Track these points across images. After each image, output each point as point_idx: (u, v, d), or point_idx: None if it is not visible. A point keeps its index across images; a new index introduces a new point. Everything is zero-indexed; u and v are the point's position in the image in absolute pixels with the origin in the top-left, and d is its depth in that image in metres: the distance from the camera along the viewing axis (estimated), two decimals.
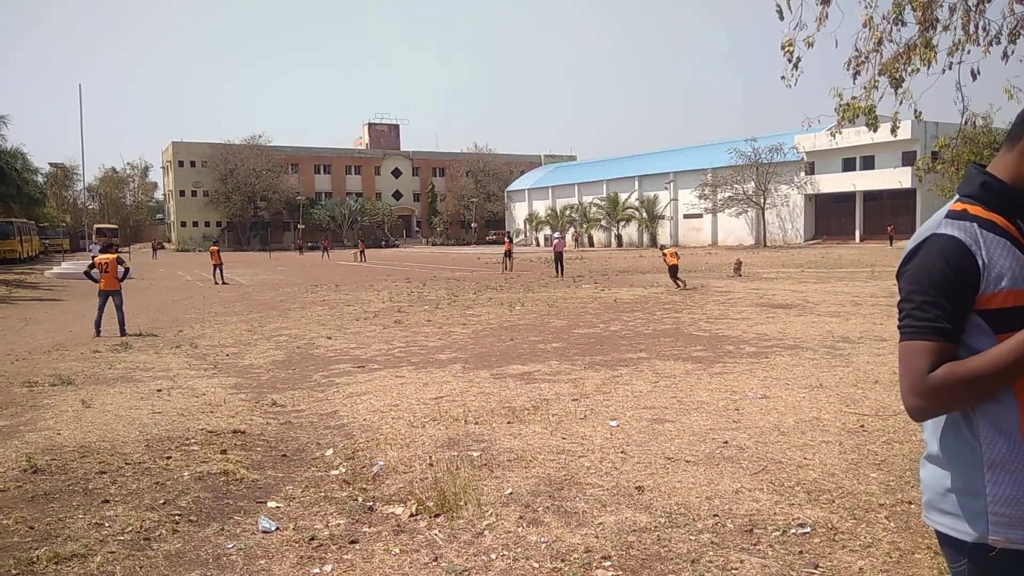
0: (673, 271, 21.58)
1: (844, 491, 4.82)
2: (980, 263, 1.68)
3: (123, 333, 13.77)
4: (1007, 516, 1.69)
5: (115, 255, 14.64)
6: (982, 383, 1.65)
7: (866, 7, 5.52)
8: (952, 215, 1.78)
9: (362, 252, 51.85)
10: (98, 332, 13.85)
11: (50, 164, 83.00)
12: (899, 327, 1.78)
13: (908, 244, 1.82)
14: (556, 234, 37.11)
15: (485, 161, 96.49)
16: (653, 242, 66.89)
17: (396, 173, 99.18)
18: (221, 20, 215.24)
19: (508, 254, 34.43)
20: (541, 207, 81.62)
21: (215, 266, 30.29)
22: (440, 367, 9.86)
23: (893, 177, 50.35)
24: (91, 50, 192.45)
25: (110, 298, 14.09)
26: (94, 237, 55.40)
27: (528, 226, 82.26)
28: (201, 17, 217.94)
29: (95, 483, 5.35)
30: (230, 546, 4.26)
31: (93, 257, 15.07)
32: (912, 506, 4.54)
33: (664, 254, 22.49)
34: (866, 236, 53.10)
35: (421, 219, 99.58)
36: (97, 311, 14.18)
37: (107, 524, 4.55)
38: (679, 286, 21.20)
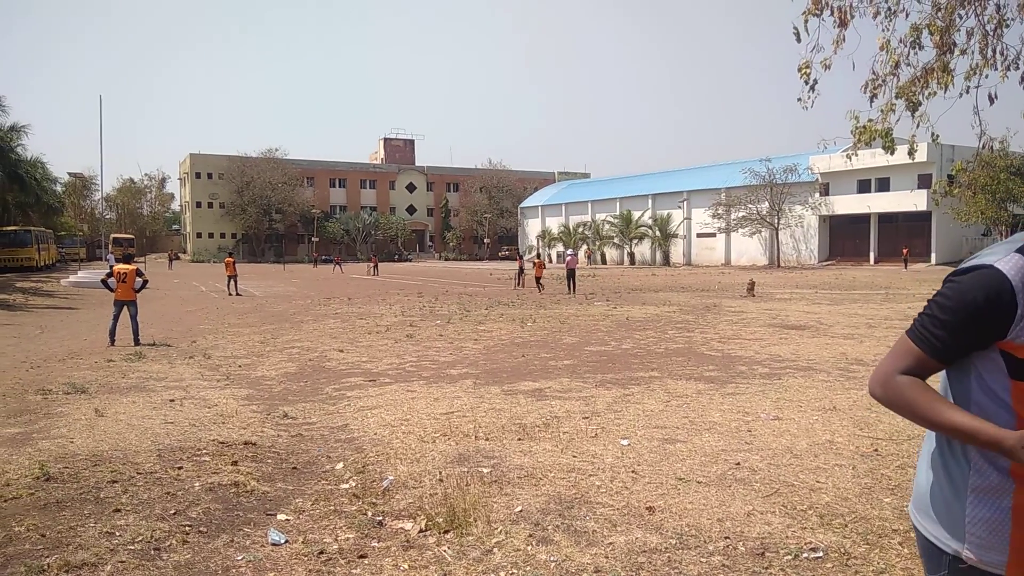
0: (538, 280, 30.09)
1: (857, 516, 4.77)
2: (1020, 309, 1.64)
3: (137, 343, 13.87)
4: (982, 538, 1.71)
5: (134, 266, 14.83)
6: (923, 421, 1.72)
7: (883, 31, 5.53)
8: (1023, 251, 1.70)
9: (375, 266, 52.03)
10: (112, 341, 13.94)
11: (69, 174, 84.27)
12: (914, 319, 1.81)
13: (970, 258, 1.78)
14: (569, 251, 37.10)
15: (499, 177, 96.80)
16: (666, 260, 66.81)
17: (411, 188, 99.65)
18: (240, 34, 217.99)
19: (521, 270, 34.31)
20: (554, 224, 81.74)
21: (229, 277, 30.46)
22: (451, 382, 9.85)
23: (909, 200, 50.13)
24: (111, 61, 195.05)
25: (125, 308, 14.21)
26: (111, 247, 55.97)
27: (541, 243, 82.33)
28: (221, 31, 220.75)
29: (107, 492, 5.37)
30: (239, 558, 4.26)
31: (111, 266, 15.19)
32: None
33: (535, 263, 30.73)
34: (881, 258, 52.82)
35: (434, 234, 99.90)
36: (112, 320, 14.28)
37: (118, 533, 4.57)
38: (540, 289, 29.03)
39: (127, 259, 15.42)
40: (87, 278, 34.88)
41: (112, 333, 14.11)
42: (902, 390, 1.74)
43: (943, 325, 1.71)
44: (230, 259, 31.73)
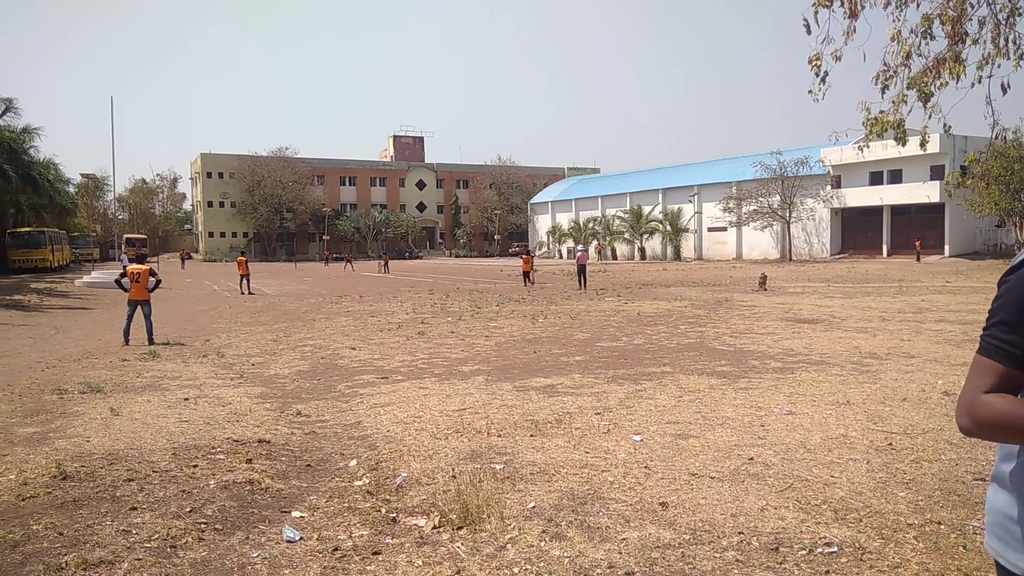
0: (525, 274, 31.71)
1: (872, 510, 4.76)
2: None
3: (151, 342, 13.97)
4: None
5: (148, 266, 14.96)
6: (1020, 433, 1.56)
7: (894, 21, 5.48)
8: None
9: (385, 264, 52.14)
10: (127, 341, 14.04)
11: (81, 175, 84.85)
12: (980, 335, 1.70)
13: (1018, 256, 1.68)
14: (579, 247, 37.05)
15: (509, 173, 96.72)
16: (677, 255, 66.60)
17: (420, 185, 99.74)
18: (250, 34, 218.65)
19: (527, 273, 32.81)
20: (564, 219, 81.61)
21: (242, 276, 30.62)
22: (463, 379, 9.87)
23: (921, 191, 49.73)
24: (122, 63, 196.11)
25: (139, 307, 14.32)
26: (123, 247, 56.33)
27: (551, 238, 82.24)
28: (231, 31, 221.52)
29: (123, 490, 5.42)
30: (255, 555, 4.29)
31: (124, 267, 15.32)
32: (941, 527, 4.46)
33: (522, 259, 32.77)
34: (893, 251, 52.44)
35: (444, 231, 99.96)
36: (126, 320, 14.38)
37: (134, 531, 4.61)
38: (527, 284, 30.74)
39: (140, 259, 15.53)
40: (101, 278, 35.12)
41: (126, 333, 14.21)
42: (993, 407, 1.58)
43: (1011, 327, 1.61)
44: (242, 258, 31.93)
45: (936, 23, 5.40)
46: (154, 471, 5.88)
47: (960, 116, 5.83)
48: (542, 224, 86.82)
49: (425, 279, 40.25)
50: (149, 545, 4.40)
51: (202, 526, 4.72)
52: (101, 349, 13.79)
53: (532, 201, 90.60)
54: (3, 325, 18.65)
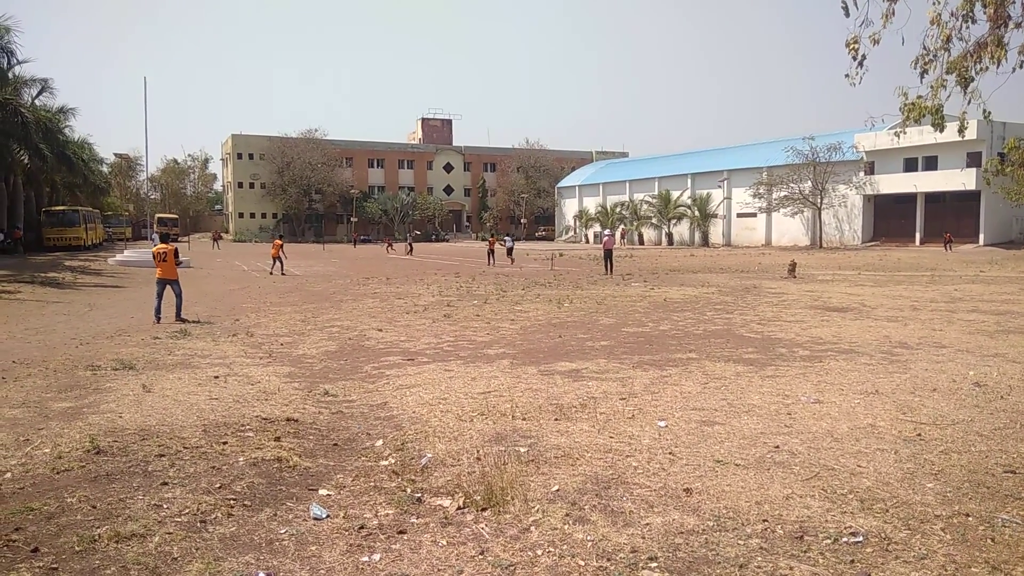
0: (509, 251, 38.44)
1: (899, 500, 4.71)
2: None
3: (178, 318, 14.30)
4: None
5: (173, 246, 15.27)
6: None
7: (935, 4, 5.36)
8: None
9: (411, 246, 52.36)
10: (157, 319, 14.29)
11: (115, 155, 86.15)
12: None
13: None
14: (606, 231, 36.95)
15: (536, 157, 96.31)
16: (705, 241, 66.05)
17: (448, 168, 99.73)
18: (281, 16, 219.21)
19: (491, 251, 37.34)
20: (591, 204, 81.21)
21: (275, 258, 30.78)
22: (488, 362, 9.91)
23: (957, 179, 48.74)
24: (156, 43, 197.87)
25: (168, 286, 14.58)
26: (155, 226, 57.12)
27: (578, 223, 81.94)
28: (262, 13, 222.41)
29: (154, 465, 5.53)
30: (283, 531, 4.36)
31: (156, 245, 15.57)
32: (970, 519, 4.41)
33: (488, 240, 39.07)
34: (926, 239, 51.51)
35: (471, 214, 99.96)
36: (156, 299, 14.62)
37: (165, 506, 4.70)
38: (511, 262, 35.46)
39: (164, 239, 15.81)
40: (133, 257, 35.66)
41: (157, 311, 14.47)
42: None
43: None
44: (279, 241, 31.96)
45: (978, 5, 5.27)
46: (185, 447, 5.99)
47: (1000, 102, 5.71)
48: (569, 208, 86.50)
49: (451, 262, 40.35)
50: (180, 520, 4.49)
51: (231, 502, 4.80)
52: (133, 327, 14.02)
53: (559, 185, 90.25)
54: (38, 302, 19.04)
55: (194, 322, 14.32)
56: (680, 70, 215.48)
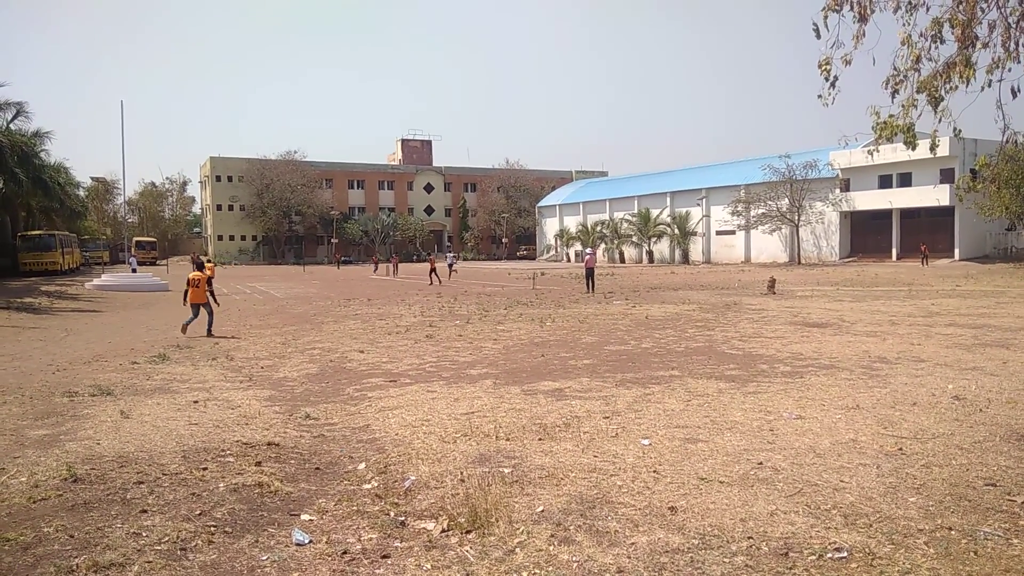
0: (450, 266, 44.12)
1: (882, 515, 4.74)
2: None
3: (209, 334, 15.95)
4: None
5: (205, 274, 17.00)
6: None
7: (904, 25, 5.47)
8: None
9: (395, 267, 52.29)
10: (184, 331, 16.00)
11: (91, 178, 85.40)
12: None
13: None
14: (587, 250, 37.17)
15: (516, 177, 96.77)
16: (685, 259, 66.47)
17: (428, 188, 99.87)
18: (258, 37, 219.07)
19: (433, 271, 39.01)
20: (572, 223, 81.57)
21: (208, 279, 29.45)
22: (471, 382, 9.88)
23: (931, 195, 49.51)
24: (132, 66, 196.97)
25: (201, 308, 16.40)
26: (133, 250, 56.58)
27: (559, 242, 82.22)
28: (238, 36, 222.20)
29: (133, 493, 5.44)
30: (264, 558, 4.30)
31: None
32: (952, 532, 4.44)
33: (429, 260, 41.98)
34: (903, 254, 52.21)
35: (452, 234, 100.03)
36: (191, 317, 16.39)
37: (144, 534, 4.63)
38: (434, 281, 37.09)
39: (199, 267, 17.33)
40: (111, 281, 35.27)
41: (186, 325, 16.20)
42: None
43: None
44: (211, 265, 30.58)
45: (946, 27, 5.39)
46: (164, 474, 5.91)
47: (970, 120, 5.81)
48: (550, 227, 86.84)
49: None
50: (159, 547, 4.42)
51: (212, 529, 4.74)
52: (111, 352, 13.86)
53: (540, 204, 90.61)
54: (14, 328, 18.77)
55: (174, 347, 14.19)
56: (658, 90, 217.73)
